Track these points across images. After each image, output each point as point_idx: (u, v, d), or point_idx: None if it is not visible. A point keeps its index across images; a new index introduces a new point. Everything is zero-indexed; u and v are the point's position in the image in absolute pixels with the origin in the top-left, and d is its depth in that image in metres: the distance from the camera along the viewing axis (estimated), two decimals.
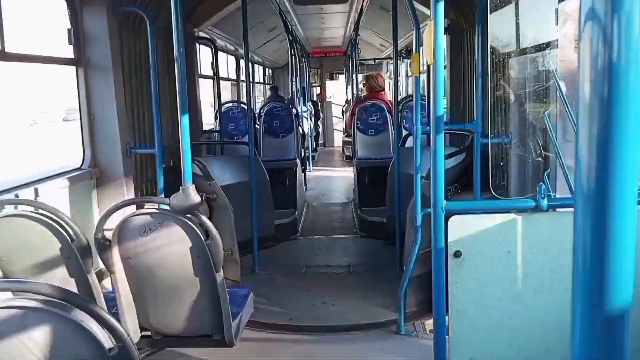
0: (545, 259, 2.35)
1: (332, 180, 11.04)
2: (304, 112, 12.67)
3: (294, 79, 12.24)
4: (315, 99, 18.64)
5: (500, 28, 4.45)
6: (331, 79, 20.58)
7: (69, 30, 4.14)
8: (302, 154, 9.73)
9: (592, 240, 0.72)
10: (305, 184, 9.77)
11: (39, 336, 1.60)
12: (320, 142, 16.54)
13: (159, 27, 4.85)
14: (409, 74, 10.70)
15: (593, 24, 0.72)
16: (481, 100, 4.37)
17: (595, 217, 0.72)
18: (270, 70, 17.65)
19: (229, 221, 4.41)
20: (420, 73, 3.89)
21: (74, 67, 4.23)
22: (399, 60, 5.78)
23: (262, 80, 16.32)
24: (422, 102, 5.32)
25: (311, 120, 13.99)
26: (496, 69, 4.50)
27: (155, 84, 4.20)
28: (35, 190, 3.65)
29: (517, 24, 4.31)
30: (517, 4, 4.28)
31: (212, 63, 7.58)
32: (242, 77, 12.42)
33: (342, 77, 19.50)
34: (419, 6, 5.49)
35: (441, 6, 2.38)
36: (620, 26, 0.69)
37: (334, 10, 10.86)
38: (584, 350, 0.76)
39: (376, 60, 16.83)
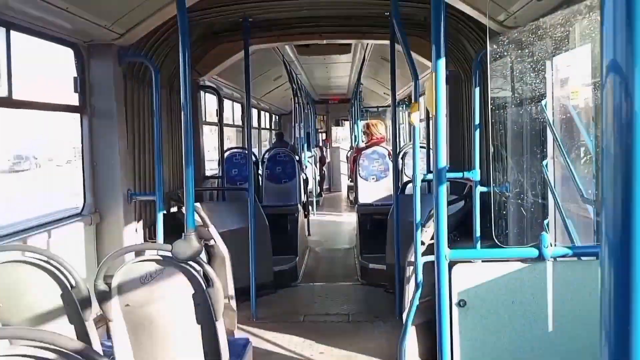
0: (550, 309, 2.34)
1: (336, 226, 10.97)
2: (309, 157, 12.78)
3: (297, 126, 12.43)
4: (321, 144, 18.87)
5: (497, 79, 4.57)
6: (337, 125, 20.87)
7: (75, 78, 4.23)
8: (305, 199, 9.75)
9: (617, 291, 0.73)
10: (309, 229, 9.74)
11: None
12: (325, 186, 16.57)
13: (162, 76, 4.96)
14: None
15: (615, 75, 0.74)
16: (479, 149, 4.44)
17: (621, 267, 0.73)
18: (277, 117, 17.92)
19: (225, 268, 4.39)
20: (419, 123, 3.96)
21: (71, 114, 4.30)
22: (402, 108, 5.90)
23: (268, 127, 16.53)
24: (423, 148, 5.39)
25: (316, 166, 14.07)
26: (494, 119, 4.59)
27: (158, 131, 4.26)
28: (35, 236, 3.64)
29: (513, 76, 4.43)
30: (512, 56, 4.41)
31: (216, 110, 7.72)
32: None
33: (347, 124, 19.84)
34: (418, 57, 5.65)
35: (442, 60, 2.46)
36: None
37: (337, 61, 11.12)
38: None
39: (380, 108, 17.13)
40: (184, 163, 3.09)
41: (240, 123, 10.82)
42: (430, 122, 2.68)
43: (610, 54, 0.74)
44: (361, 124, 11.20)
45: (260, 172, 8.69)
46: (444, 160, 2.51)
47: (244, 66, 5.50)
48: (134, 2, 3.98)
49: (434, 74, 2.35)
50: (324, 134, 20.74)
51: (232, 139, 13.00)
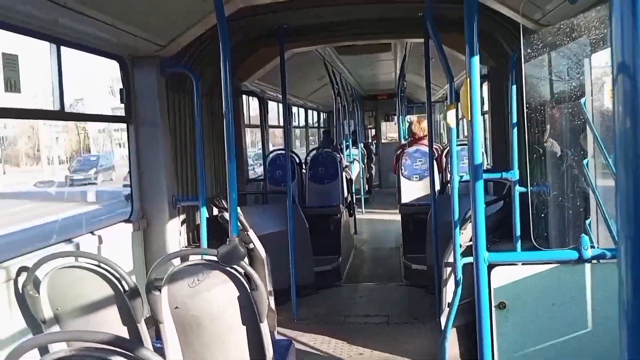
0: (591, 311, 2.34)
1: (384, 224, 10.78)
2: (355, 155, 12.71)
3: (342, 123, 12.44)
4: (370, 140, 18.80)
5: (535, 77, 4.52)
6: (386, 120, 20.72)
7: (121, 90, 4.42)
8: (349, 198, 9.79)
9: (636, 291, 0.76)
10: (355, 228, 9.74)
11: None
12: (375, 183, 16.45)
13: (203, 83, 5.11)
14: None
15: (624, 75, 0.78)
16: (517, 149, 4.40)
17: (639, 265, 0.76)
18: (325, 114, 18.00)
19: (264, 270, 4.49)
20: (457, 123, 3.97)
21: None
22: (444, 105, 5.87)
23: (316, 125, 16.62)
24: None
25: (364, 163, 14.00)
26: (533, 118, 4.55)
27: (200, 138, 4.40)
28: (88, 241, 3.83)
29: (551, 74, 4.38)
30: (549, 54, 4.36)
31: (262, 114, 7.85)
32: (294, 124, 12.77)
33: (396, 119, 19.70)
34: (459, 55, 5.60)
35: (476, 61, 2.48)
36: None
37: (379, 59, 11.08)
38: None
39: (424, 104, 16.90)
40: (227, 170, 3.19)
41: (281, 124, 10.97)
42: (467, 126, 2.71)
43: (619, 56, 0.77)
44: (412, 118, 11.13)
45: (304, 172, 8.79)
46: (479, 159, 2.53)
47: (287, 68, 5.60)
48: (174, 15, 4.13)
49: (468, 79, 2.39)
50: (373, 130, 20.62)
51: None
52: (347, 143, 12.34)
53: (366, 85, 17.02)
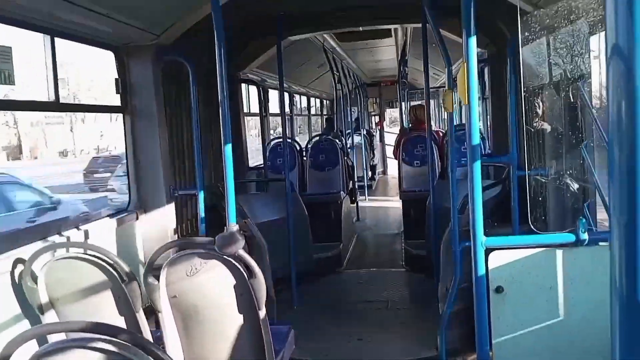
0: (589, 294, 2.34)
1: (387, 211, 10.78)
2: (357, 142, 12.66)
3: (344, 110, 12.41)
4: (373, 127, 18.70)
5: (533, 60, 4.49)
6: (390, 106, 20.60)
7: (116, 80, 4.39)
8: (351, 185, 9.76)
9: (628, 271, 0.75)
10: (358, 215, 9.74)
11: None
12: (379, 170, 16.41)
13: (200, 72, 5.08)
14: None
15: (618, 58, 0.77)
16: (515, 133, 4.38)
17: (631, 248, 0.75)
18: (328, 102, 17.97)
19: (263, 258, 4.50)
20: (454, 109, 3.95)
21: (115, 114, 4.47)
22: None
23: (319, 112, 16.57)
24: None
25: (367, 150, 13.97)
26: (530, 102, 4.52)
27: (196, 127, 4.38)
28: (85, 232, 3.82)
29: (550, 57, 4.35)
30: (548, 37, 4.33)
31: (260, 102, 7.83)
32: (295, 112, 12.72)
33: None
34: (457, 38, 5.56)
35: (473, 44, 2.45)
36: None
37: (381, 45, 11.01)
38: None
39: (430, 90, 16.73)
40: (223, 158, 3.18)
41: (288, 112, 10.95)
42: (463, 110, 2.70)
43: (613, 38, 0.76)
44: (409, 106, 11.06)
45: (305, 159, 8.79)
46: (477, 141, 2.52)
47: (286, 56, 5.57)
48: (169, 4, 4.09)
49: (465, 63, 2.36)
50: (377, 117, 20.52)
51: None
52: (349, 131, 12.29)
53: (369, 71, 16.92)
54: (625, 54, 0.75)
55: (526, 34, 4.02)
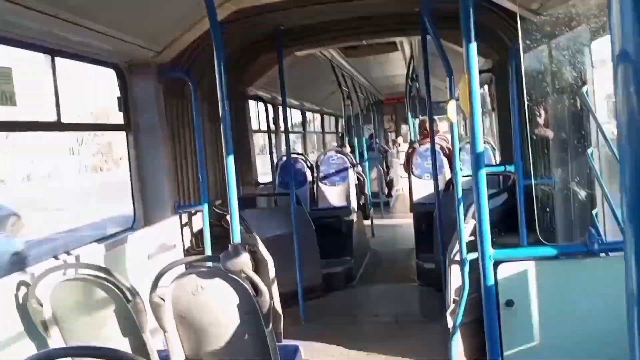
0: (601, 306, 2.29)
1: (403, 228, 10.36)
2: (371, 158, 12.59)
3: (352, 128, 12.36)
4: (390, 144, 18.63)
5: (536, 68, 4.48)
6: (406, 123, 20.56)
7: (118, 98, 4.39)
8: (363, 201, 9.67)
9: None
10: (373, 231, 9.69)
11: None
12: (397, 187, 16.31)
13: (205, 88, 5.08)
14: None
15: (626, 63, 0.75)
16: (520, 142, 4.36)
17: None
18: (343, 120, 18.02)
19: (269, 274, 4.46)
20: (457, 119, 3.93)
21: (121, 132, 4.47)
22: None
23: (334, 130, 16.58)
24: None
25: (382, 167, 13.88)
26: (534, 110, 4.50)
27: (200, 144, 4.37)
28: (91, 251, 3.80)
29: (552, 64, 4.33)
30: (549, 44, 4.32)
31: (268, 119, 7.85)
32: (309, 129, 12.70)
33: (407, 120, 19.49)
34: (459, 48, 5.54)
35: (474, 54, 2.44)
36: None
37: (390, 59, 10.94)
38: None
39: (440, 104, 16.71)
40: (226, 173, 3.17)
41: (299, 129, 10.93)
42: (467, 122, 2.69)
43: (618, 41, 0.74)
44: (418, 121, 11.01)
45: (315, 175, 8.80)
46: (481, 152, 2.49)
47: (292, 74, 5.58)
48: (168, 21, 4.10)
49: (466, 74, 2.35)
50: (393, 134, 20.44)
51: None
52: (361, 150, 12.20)
53: (382, 88, 16.88)
54: (633, 59, 0.73)
55: (527, 41, 4.01)
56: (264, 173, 8.75)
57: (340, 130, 16.84)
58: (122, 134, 4.48)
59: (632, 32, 0.73)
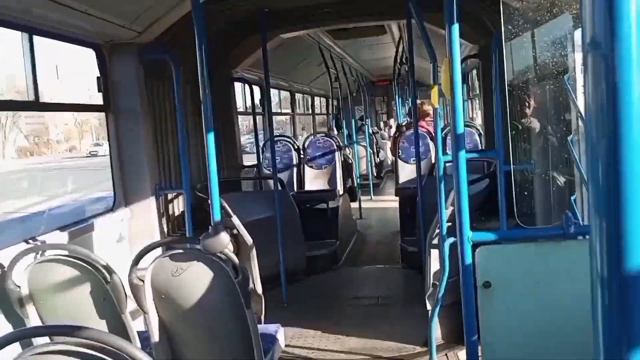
0: (576, 288, 2.33)
1: (391, 210, 10.45)
2: (359, 140, 12.55)
3: (341, 110, 12.26)
4: (382, 125, 18.57)
5: (518, 55, 4.49)
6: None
7: (98, 78, 4.32)
8: (350, 183, 9.63)
9: (609, 266, 0.75)
10: (361, 213, 9.71)
11: None
12: (387, 169, 16.35)
13: (188, 70, 5.01)
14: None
15: (595, 52, 0.75)
16: (501, 128, 4.39)
17: (610, 241, 0.74)
18: (336, 101, 17.94)
19: (250, 256, 4.46)
20: (439, 104, 3.94)
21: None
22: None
23: (324, 111, 16.53)
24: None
25: (371, 149, 13.89)
26: (515, 97, 4.53)
27: (182, 125, 4.33)
28: (70, 233, 3.77)
29: (535, 51, 4.35)
30: (532, 31, 4.33)
31: (253, 100, 7.79)
32: (298, 111, 12.61)
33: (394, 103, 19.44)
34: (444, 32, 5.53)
35: (456, 38, 2.43)
36: (621, 49, 0.73)
37: (379, 42, 10.89)
38: None
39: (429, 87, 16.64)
40: (206, 155, 3.15)
41: (287, 110, 10.85)
42: (449, 105, 2.69)
43: (590, 31, 0.75)
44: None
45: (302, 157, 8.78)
46: (461, 138, 2.50)
47: (279, 55, 5.53)
48: (150, 0, 4.03)
49: (448, 57, 2.35)
50: (385, 115, 20.36)
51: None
52: (349, 132, 12.17)
53: (374, 69, 16.76)
54: (603, 48, 0.74)
55: (510, 27, 4.02)
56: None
57: (330, 111, 16.85)
58: (69, 115, 4.41)
59: (603, 21, 0.73)
